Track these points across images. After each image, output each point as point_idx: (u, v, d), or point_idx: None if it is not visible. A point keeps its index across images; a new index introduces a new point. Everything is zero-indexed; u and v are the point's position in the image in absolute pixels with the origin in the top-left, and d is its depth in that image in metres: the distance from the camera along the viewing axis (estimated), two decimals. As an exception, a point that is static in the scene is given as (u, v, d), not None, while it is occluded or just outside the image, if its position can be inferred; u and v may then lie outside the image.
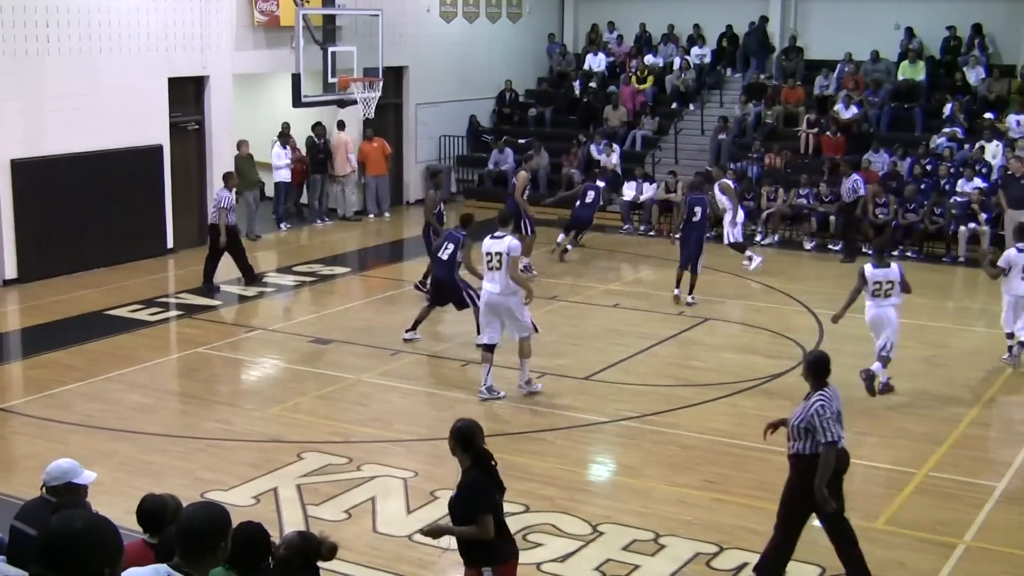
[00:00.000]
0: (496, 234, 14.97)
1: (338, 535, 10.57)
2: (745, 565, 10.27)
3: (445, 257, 16.70)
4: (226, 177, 21.18)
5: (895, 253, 23.98)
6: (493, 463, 8.14)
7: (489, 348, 14.84)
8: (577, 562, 10.39)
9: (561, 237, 23.67)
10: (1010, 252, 16.50)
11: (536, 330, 15.28)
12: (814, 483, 9.39)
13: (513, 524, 10.85)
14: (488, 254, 14.82)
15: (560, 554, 10.48)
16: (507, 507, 10.60)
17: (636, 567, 10.30)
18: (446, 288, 16.85)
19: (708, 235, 20.63)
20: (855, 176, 24.32)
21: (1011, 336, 16.58)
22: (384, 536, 10.86)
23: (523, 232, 21.01)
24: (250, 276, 21.10)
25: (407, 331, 17.46)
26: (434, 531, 8.36)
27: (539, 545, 10.64)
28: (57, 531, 4.83)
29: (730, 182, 22.83)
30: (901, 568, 10.33)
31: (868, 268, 15.04)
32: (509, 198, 22.11)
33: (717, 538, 10.83)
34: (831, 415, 9.39)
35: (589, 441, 13.74)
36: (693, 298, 19.82)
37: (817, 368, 9.71)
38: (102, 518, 5.11)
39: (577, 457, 13.14)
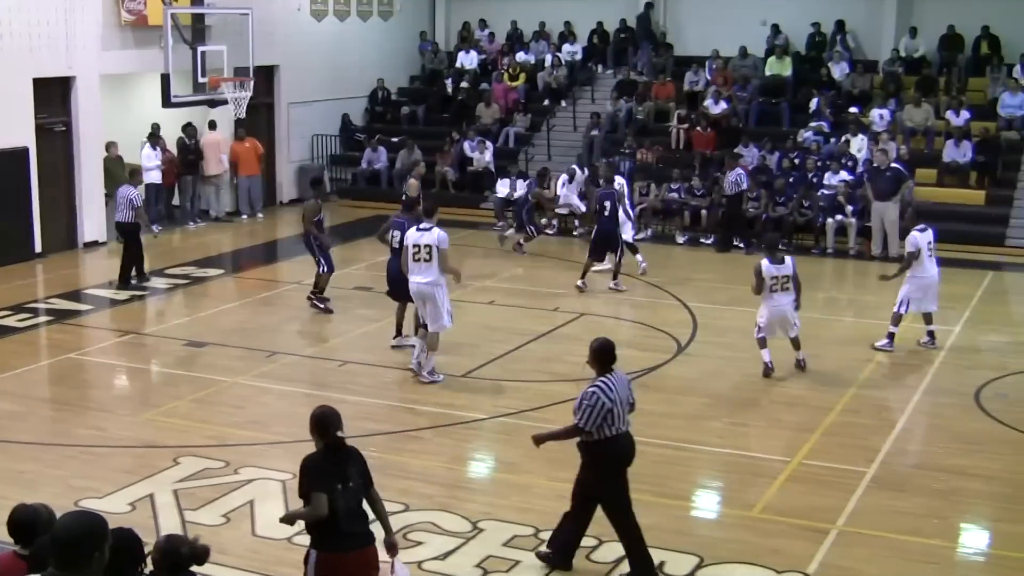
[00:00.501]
0: (423, 226, 15.07)
1: (217, 539, 10.51)
2: (625, 557, 10.36)
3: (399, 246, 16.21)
4: (132, 173, 21.68)
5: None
6: (352, 453, 8.28)
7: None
8: (458, 559, 10.40)
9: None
10: (913, 235, 16.89)
11: (449, 324, 15.40)
12: (547, 435, 10.31)
13: (393, 523, 10.85)
14: (416, 246, 14.92)
15: (441, 552, 10.49)
16: (388, 506, 10.61)
17: (517, 562, 10.34)
18: (402, 283, 16.07)
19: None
20: (738, 170, 24.74)
21: (895, 319, 17.00)
22: (263, 539, 10.77)
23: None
24: (142, 274, 21.14)
25: (394, 338, 17.05)
26: (287, 517, 8.38)
27: (420, 543, 10.64)
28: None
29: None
30: (776, 554, 10.51)
31: (764, 264, 15.61)
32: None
33: (596, 531, 10.86)
34: (604, 403, 9.58)
35: (468, 438, 13.78)
36: (617, 283, 20.63)
37: (600, 355, 9.88)
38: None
39: (456, 455, 13.17)
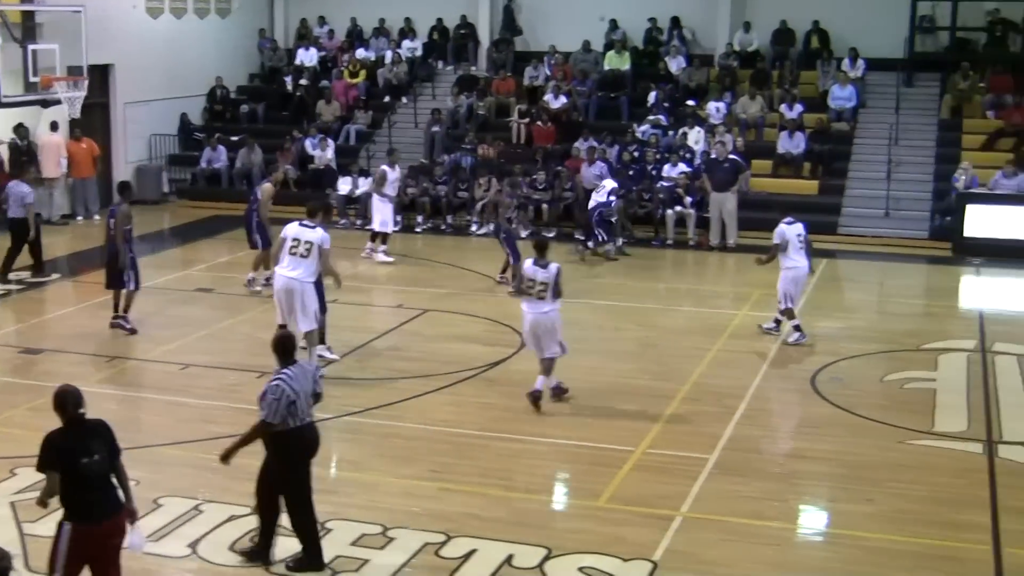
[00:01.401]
0: (306, 223, 15.11)
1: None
2: (474, 551, 10.43)
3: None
4: (25, 170, 22.19)
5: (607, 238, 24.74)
6: (96, 427, 8.60)
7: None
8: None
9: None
10: (780, 228, 17.21)
11: (318, 323, 15.31)
12: (233, 447, 10.02)
13: (240, 527, 10.81)
14: (296, 240, 14.89)
15: (289, 554, 10.42)
16: (234, 510, 10.54)
17: (366, 561, 10.33)
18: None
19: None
20: (600, 164, 25.11)
21: (788, 313, 17.21)
22: (106, 547, 10.57)
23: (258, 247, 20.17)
24: (40, 268, 21.24)
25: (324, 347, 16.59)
26: (39, 500, 8.66)
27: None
28: None
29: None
30: (622, 543, 10.65)
31: (527, 264, 14.45)
32: (251, 212, 20.49)
33: (444, 527, 10.94)
34: (288, 394, 9.65)
35: (313, 438, 13.68)
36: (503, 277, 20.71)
37: (280, 347, 9.99)
38: None
39: (302, 455, 13.06)
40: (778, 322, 17.59)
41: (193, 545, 10.61)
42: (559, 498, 12.38)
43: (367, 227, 24.75)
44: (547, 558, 10.37)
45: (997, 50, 29.24)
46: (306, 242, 14.91)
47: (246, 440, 9.97)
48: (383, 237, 22.86)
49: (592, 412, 14.39)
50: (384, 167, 23.39)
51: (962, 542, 10.95)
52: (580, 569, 10.21)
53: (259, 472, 10.15)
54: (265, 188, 20.57)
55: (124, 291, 17.70)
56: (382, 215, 22.88)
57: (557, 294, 14.16)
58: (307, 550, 10.16)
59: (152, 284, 19.04)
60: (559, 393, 14.59)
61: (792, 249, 17.13)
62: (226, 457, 10.06)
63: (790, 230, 17.19)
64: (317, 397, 10.08)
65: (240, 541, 10.51)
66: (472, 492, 11.89)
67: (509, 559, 10.32)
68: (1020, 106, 27.05)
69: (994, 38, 29.42)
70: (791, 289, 17.22)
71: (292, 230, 15.07)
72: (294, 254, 14.93)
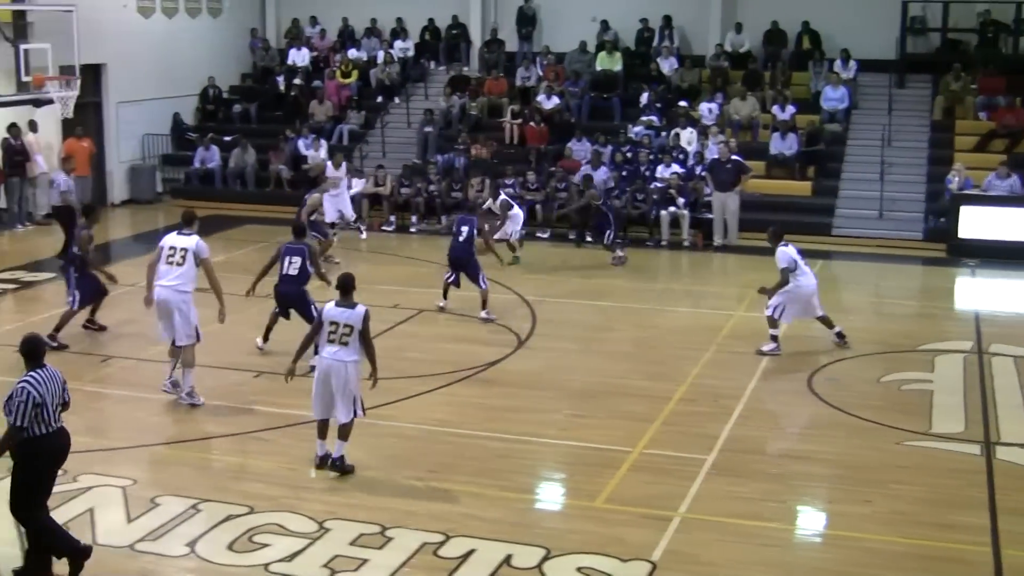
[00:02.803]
0: (184, 231, 14.78)
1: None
2: (472, 551, 10.43)
3: (294, 272, 16.04)
4: (65, 161, 23.74)
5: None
6: None
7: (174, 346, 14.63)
8: (305, 560, 10.33)
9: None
10: (784, 252, 16.72)
11: (199, 339, 14.66)
12: None
13: (238, 526, 10.81)
14: (172, 248, 14.55)
15: (287, 553, 10.40)
16: (232, 509, 10.55)
17: (365, 561, 10.32)
18: (291, 300, 16.16)
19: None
20: (604, 168, 25.20)
21: (772, 322, 16.90)
22: (105, 547, 10.53)
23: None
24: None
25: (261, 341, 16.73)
26: None
27: (266, 546, 10.55)
28: None
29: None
30: (621, 543, 10.65)
31: (329, 307, 12.45)
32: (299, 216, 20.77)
33: (443, 527, 10.94)
34: (34, 397, 9.49)
35: (311, 438, 13.61)
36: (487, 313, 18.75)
37: (27, 349, 9.86)
38: None
39: (299, 455, 13.02)
40: (840, 335, 17.23)
41: (191, 544, 10.60)
42: (557, 498, 12.37)
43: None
44: (546, 558, 10.37)
45: (988, 51, 29.25)
46: (181, 249, 14.52)
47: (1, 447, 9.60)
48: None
49: (589, 413, 14.40)
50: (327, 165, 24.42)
51: (961, 543, 10.95)
52: (579, 569, 10.22)
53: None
54: (314, 198, 21.98)
55: (65, 309, 17.28)
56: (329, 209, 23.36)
57: (366, 339, 12.36)
58: (34, 558, 9.86)
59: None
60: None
61: (800, 271, 16.84)
62: None
63: (792, 250, 16.84)
64: (65, 405, 9.94)
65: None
66: (470, 492, 11.88)
67: (508, 559, 10.32)
68: (1012, 107, 27.08)
69: (985, 39, 29.46)
70: (793, 307, 16.87)
71: (169, 240, 14.74)
72: (171, 263, 14.52)
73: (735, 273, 22.85)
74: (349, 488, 12.10)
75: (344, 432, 12.29)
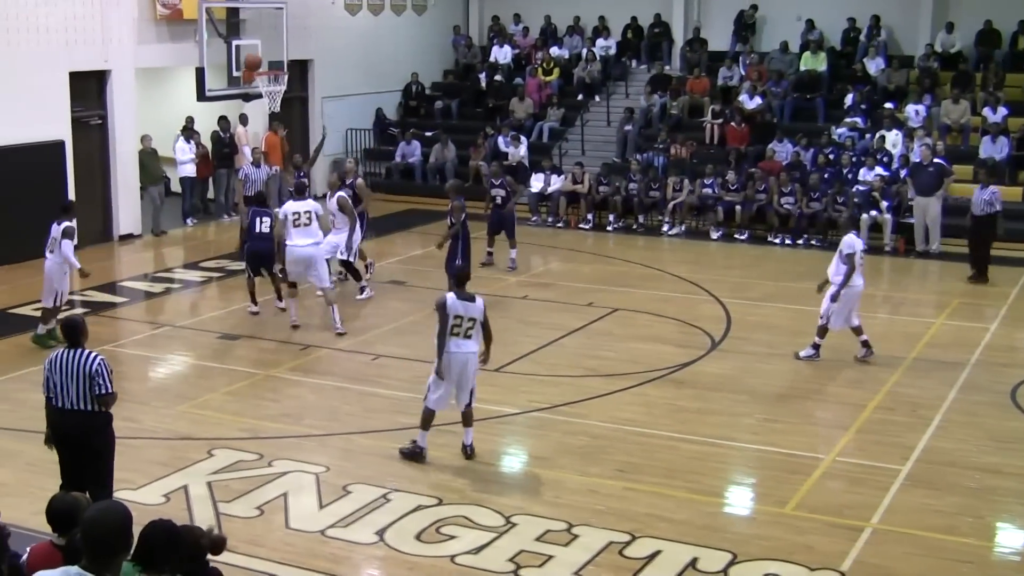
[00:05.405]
0: (296, 198, 17.71)
1: (251, 532, 10.61)
2: (658, 553, 10.36)
3: (266, 230, 17.92)
4: (254, 152, 24.01)
5: (800, 242, 24.38)
6: None
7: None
8: (491, 554, 10.39)
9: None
10: (853, 240, 16.15)
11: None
12: None
13: (426, 517, 10.95)
14: (296, 213, 17.34)
15: (474, 546, 10.48)
16: (421, 500, 10.68)
17: (550, 557, 10.34)
18: (263, 256, 18.21)
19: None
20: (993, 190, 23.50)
21: (822, 331, 16.35)
22: (297, 532, 10.78)
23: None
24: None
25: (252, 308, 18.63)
26: None
27: (453, 538, 10.65)
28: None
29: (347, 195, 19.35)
30: (810, 552, 10.47)
31: (450, 298, 12.41)
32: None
33: (629, 527, 10.89)
34: (44, 369, 10.03)
35: (500, 433, 13.75)
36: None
37: (65, 330, 10.28)
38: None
39: (489, 449, 13.13)
40: (866, 344, 16.40)
41: (380, 532, 10.74)
42: (746, 503, 12.19)
43: (558, 225, 24.96)
44: (732, 563, 10.25)
45: None
46: (305, 212, 17.34)
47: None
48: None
49: (782, 417, 14.18)
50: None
51: None
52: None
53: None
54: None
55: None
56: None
57: (487, 332, 12.54)
58: None
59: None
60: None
61: (856, 263, 16.07)
62: None
63: (859, 243, 16.20)
64: (98, 396, 10.05)
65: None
66: (658, 493, 11.80)
67: (693, 562, 10.22)
68: None
69: None
70: (840, 310, 16.10)
71: (289, 207, 17.45)
72: (298, 225, 17.19)
73: (936, 280, 22.25)
74: (536, 484, 12.15)
75: (471, 419, 12.66)
